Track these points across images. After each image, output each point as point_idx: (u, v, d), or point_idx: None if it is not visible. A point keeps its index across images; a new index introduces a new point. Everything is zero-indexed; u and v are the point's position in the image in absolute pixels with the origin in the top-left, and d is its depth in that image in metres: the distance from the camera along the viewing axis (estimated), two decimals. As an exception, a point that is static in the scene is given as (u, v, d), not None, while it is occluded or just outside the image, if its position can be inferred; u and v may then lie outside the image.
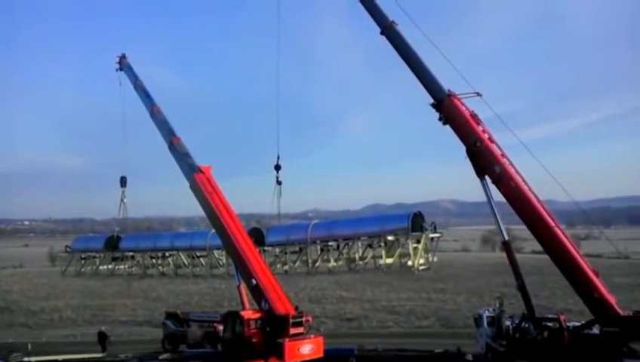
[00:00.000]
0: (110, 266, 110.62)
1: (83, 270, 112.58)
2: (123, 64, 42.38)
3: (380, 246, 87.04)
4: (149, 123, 37.60)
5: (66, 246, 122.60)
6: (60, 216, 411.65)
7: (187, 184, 32.00)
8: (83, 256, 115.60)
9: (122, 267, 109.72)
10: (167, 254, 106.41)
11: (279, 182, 39.29)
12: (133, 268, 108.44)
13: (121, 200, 46.47)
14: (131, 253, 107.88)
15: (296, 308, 27.13)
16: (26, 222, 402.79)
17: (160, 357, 31.82)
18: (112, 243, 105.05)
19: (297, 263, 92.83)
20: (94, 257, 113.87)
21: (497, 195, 28.99)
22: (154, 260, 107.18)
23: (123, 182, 46.92)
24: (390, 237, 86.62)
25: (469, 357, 29.27)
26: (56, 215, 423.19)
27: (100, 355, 34.77)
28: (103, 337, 39.14)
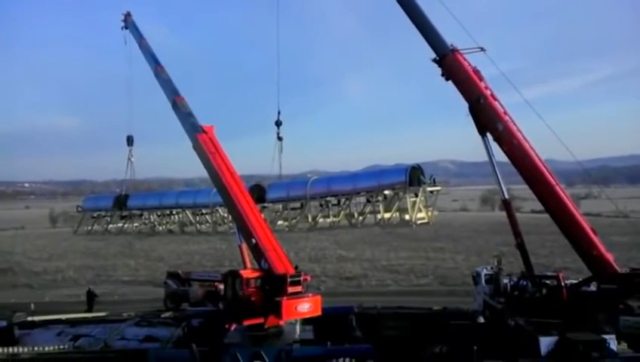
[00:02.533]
0: (119, 225, 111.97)
1: (93, 228, 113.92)
2: (128, 22, 41.73)
3: (378, 201, 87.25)
4: (149, 85, 37.32)
5: (77, 206, 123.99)
6: (61, 178, 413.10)
7: (186, 145, 31.89)
8: (94, 215, 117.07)
9: (130, 225, 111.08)
10: (173, 212, 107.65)
11: (280, 138, 39.24)
12: (141, 226, 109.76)
13: (128, 159, 46.44)
14: (139, 212, 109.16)
15: (296, 268, 27.23)
16: (27, 184, 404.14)
17: (162, 316, 32.09)
18: (121, 202, 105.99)
19: (297, 219, 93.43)
20: (104, 216, 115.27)
21: (498, 154, 28.86)
22: (161, 218, 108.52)
23: (130, 141, 46.82)
24: (387, 192, 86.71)
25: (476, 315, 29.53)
26: (57, 177, 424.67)
27: (102, 314, 35.10)
28: (91, 297, 39.64)
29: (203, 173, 31.97)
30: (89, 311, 37.90)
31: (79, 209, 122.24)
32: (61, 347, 25.62)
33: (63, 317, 31.96)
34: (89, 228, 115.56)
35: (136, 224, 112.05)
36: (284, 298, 24.65)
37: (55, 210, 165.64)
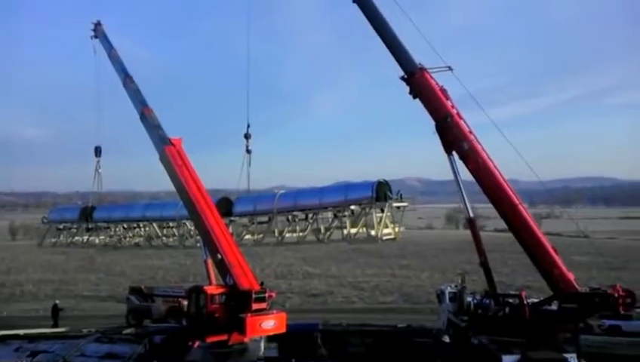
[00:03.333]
0: (84, 237, 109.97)
1: (59, 240, 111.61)
2: (98, 32, 41.31)
3: (345, 216, 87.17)
4: (117, 96, 36.90)
5: (43, 217, 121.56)
6: (22, 190, 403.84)
7: (152, 158, 31.59)
8: (59, 227, 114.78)
9: (96, 238, 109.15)
10: (140, 225, 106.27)
11: (249, 151, 39.04)
12: (108, 239, 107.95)
13: (96, 170, 45.69)
14: (105, 224, 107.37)
15: (262, 284, 27.10)
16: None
17: (123, 332, 31.54)
18: (87, 214, 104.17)
19: (263, 233, 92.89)
20: (70, 228, 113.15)
21: (464, 173, 29.27)
22: (127, 231, 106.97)
23: (98, 151, 46.05)
24: (353, 207, 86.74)
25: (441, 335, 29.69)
26: (18, 188, 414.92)
27: (61, 329, 34.33)
28: (56, 311, 38.73)
29: (169, 186, 31.67)
30: (55, 325, 36.93)
31: (45, 220, 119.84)
32: None
33: (21, 332, 31.15)
34: (54, 240, 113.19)
35: (101, 236, 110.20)
36: (249, 314, 24.47)
37: (15, 221, 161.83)
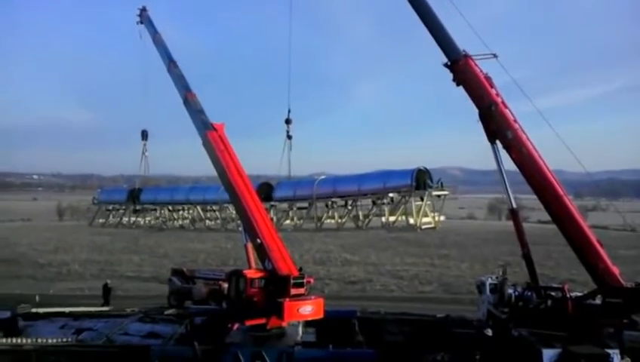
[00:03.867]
0: (132, 218, 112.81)
1: (107, 221, 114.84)
2: (143, 17, 41.85)
3: (383, 203, 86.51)
4: (161, 81, 37.31)
5: (93, 198, 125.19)
6: (69, 172, 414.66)
7: (195, 143, 31.92)
8: (108, 208, 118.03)
9: (143, 219, 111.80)
10: (184, 207, 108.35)
11: (289, 137, 39.17)
12: (153, 221, 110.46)
13: (143, 153, 46.59)
14: (152, 206, 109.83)
15: (300, 270, 27.20)
16: (35, 176, 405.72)
17: (165, 312, 32.16)
18: (134, 196, 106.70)
19: (302, 219, 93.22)
20: (118, 209, 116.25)
21: (507, 163, 28.73)
22: (174, 213, 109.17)
23: (144, 135, 46.95)
24: (392, 194, 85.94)
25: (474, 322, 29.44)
26: (65, 170, 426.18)
27: (106, 308, 35.24)
28: (107, 290, 39.66)
29: (211, 171, 31.99)
30: (106, 304, 37.86)
31: (95, 201, 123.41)
32: (64, 340, 25.70)
33: (67, 310, 32.08)
34: (103, 220, 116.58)
35: (148, 218, 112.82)
36: (287, 299, 24.64)
37: (62, 203, 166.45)
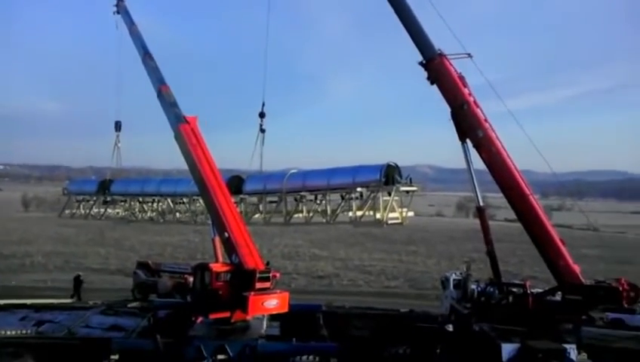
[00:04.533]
0: (102, 210, 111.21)
1: (77, 212, 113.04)
2: (120, 7, 41.37)
3: (351, 198, 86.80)
4: (134, 73, 36.89)
5: (63, 188, 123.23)
6: (36, 162, 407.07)
7: (166, 136, 31.61)
8: (78, 199, 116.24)
9: (113, 211, 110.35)
10: (155, 199, 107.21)
11: (263, 130, 39.11)
12: (122, 213, 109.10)
13: (115, 144, 46.09)
14: (122, 198, 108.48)
15: (267, 264, 27.25)
16: (1, 166, 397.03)
17: (129, 305, 31.92)
18: (105, 187, 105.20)
19: (271, 213, 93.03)
20: (88, 200, 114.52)
21: (476, 162, 29.13)
22: (144, 205, 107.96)
23: (117, 126, 46.44)
24: (360, 189, 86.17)
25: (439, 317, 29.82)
26: (32, 160, 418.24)
27: (68, 300, 34.79)
28: (78, 283, 38.95)
29: (181, 164, 31.80)
30: (76, 296, 37.16)
31: (65, 192, 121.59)
32: (24, 332, 25.33)
33: (28, 302, 31.60)
34: (73, 211, 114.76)
35: (117, 210, 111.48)
36: (252, 293, 24.65)
37: (28, 193, 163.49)
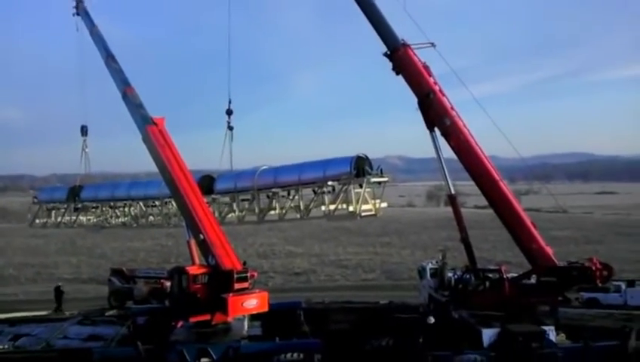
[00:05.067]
0: (73, 217, 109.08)
1: (48, 221, 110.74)
2: (80, 8, 40.45)
3: (323, 192, 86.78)
4: (93, 77, 36.28)
5: (34, 198, 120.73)
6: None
7: (130, 140, 31.32)
8: (49, 207, 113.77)
9: (85, 218, 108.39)
10: (126, 204, 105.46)
11: (231, 128, 38.93)
12: (94, 219, 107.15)
13: (83, 149, 45.33)
14: (93, 204, 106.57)
15: (244, 264, 27.18)
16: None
17: (106, 314, 31.53)
18: (75, 194, 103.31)
19: (244, 212, 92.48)
20: (59, 208, 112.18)
21: (445, 150, 29.36)
22: (116, 210, 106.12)
23: (84, 131, 45.68)
24: (331, 183, 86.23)
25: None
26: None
27: (44, 313, 34.14)
28: (59, 294, 38.13)
29: (149, 167, 31.49)
30: (58, 308, 36.40)
31: (35, 200, 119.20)
32: (1, 347, 24.82)
33: (2, 316, 30.96)
34: (45, 220, 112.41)
35: (89, 216, 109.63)
36: (230, 294, 24.54)
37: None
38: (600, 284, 26.82)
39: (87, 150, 45.17)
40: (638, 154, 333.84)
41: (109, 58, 35.39)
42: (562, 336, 24.66)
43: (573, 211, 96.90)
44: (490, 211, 29.35)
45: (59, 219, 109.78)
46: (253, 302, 25.29)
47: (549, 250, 27.22)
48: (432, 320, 25.23)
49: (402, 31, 30.48)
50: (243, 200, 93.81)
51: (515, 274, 28.45)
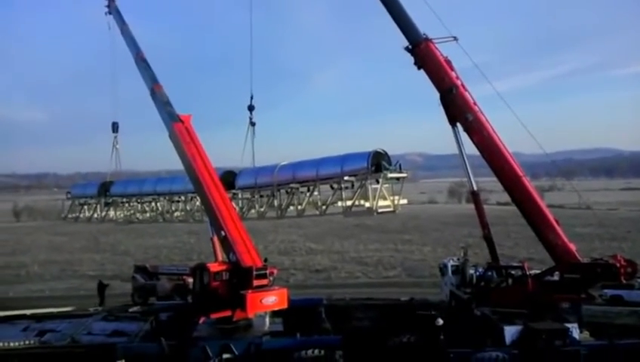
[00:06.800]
0: (103, 213, 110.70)
1: (80, 216, 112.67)
2: (111, 7, 41.02)
3: (341, 188, 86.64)
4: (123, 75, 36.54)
5: (67, 193, 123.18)
6: (23, 171, 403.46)
7: (153, 138, 31.67)
8: (81, 202, 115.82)
9: (114, 213, 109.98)
10: (152, 199, 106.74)
11: (253, 123, 39.02)
12: (122, 214, 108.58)
13: (114, 146, 45.80)
14: (122, 199, 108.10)
15: (265, 261, 27.27)
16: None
17: (130, 310, 31.83)
18: (105, 189, 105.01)
19: (264, 207, 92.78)
20: (90, 204, 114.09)
21: (467, 146, 29.04)
22: (144, 205, 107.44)
23: (115, 127, 46.14)
24: (347, 178, 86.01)
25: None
26: (19, 170, 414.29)
27: (69, 309, 34.56)
28: (102, 288, 38.45)
29: (170, 165, 31.82)
30: (101, 303, 36.84)
31: (68, 196, 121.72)
32: (27, 342, 25.21)
33: (28, 312, 31.42)
34: (77, 215, 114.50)
35: (118, 212, 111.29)
36: (249, 291, 24.68)
37: (19, 203, 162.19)
38: (624, 281, 26.42)
39: (117, 146, 45.66)
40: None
41: (139, 55, 35.76)
42: (586, 334, 24.38)
43: (598, 207, 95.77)
44: (513, 208, 28.98)
45: (90, 213, 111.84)
46: (272, 299, 25.39)
47: (573, 247, 26.84)
48: (440, 322, 24.88)
49: (423, 25, 30.27)
50: (262, 196, 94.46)
51: (538, 271, 28.13)
